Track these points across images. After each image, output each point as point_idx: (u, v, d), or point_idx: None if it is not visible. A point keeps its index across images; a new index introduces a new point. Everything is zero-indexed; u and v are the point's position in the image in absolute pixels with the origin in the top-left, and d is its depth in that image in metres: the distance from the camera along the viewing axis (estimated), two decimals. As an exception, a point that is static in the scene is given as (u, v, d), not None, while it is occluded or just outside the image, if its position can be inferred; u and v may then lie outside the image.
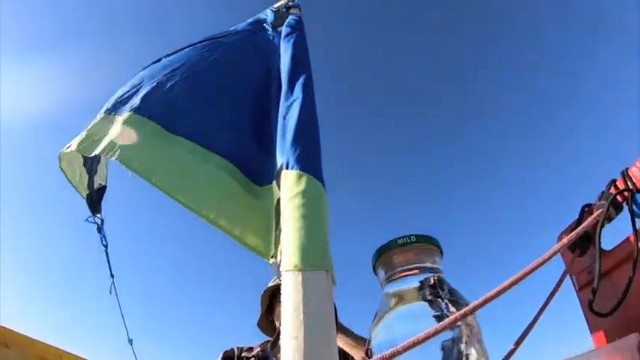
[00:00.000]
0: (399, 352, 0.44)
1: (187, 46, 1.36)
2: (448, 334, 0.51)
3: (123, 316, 1.30)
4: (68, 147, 1.11)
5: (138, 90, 1.15)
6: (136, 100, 1.08)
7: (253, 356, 1.60)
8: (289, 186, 0.81)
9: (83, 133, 1.09)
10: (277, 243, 0.89)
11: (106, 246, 1.26)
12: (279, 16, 1.64)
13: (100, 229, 1.26)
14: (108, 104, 1.17)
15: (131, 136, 0.98)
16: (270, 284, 1.77)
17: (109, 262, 1.26)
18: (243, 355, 1.61)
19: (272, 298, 1.75)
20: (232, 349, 1.65)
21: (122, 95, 1.17)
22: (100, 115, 1.14)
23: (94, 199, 1.29)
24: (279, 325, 1.68)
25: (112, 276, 1.27)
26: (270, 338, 1.75)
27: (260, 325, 1.78)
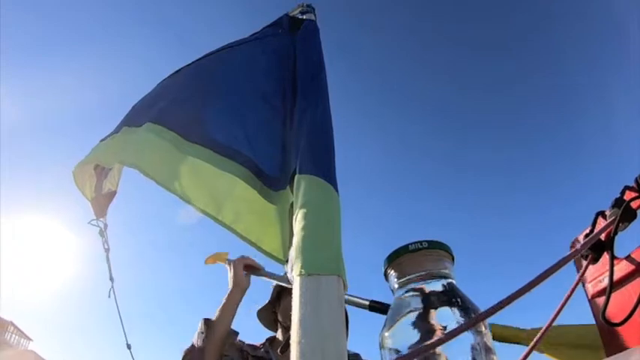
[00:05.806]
0: None
1: (204, 56, 1.39)
2: (457, 342, 0.52)
3: (122, 321, 1.30)
4: (87, 160, 1.13)
5: (157, 101, 1.18)
6: (155, 111, 1.10)
7: (255, 356, 1.58)
8: (301, 190, 0.81)
9: (103, 145, 1.12)
10: (291, 248, 0.90)
11: (107, 250, 1.27)
12: (295, 21, 1.65)
13: (102, 233, 1.28)
14: (127, 116, 1.20)
15: (150, 145, 1.01)
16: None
17: (109, 265, 1.27)
18: (245, 349, 1.58)
19: (282, 289, 1.72)
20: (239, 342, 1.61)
21: (142, 106, 1.20)
22: (120, 127, 1.17)
23: (101, 203, 1.30)
24: (286, 325, 1.66)
25: (112, 279, 1.28)
26: (271, 331, 1.72)
27: (261, 315, 1.75)
